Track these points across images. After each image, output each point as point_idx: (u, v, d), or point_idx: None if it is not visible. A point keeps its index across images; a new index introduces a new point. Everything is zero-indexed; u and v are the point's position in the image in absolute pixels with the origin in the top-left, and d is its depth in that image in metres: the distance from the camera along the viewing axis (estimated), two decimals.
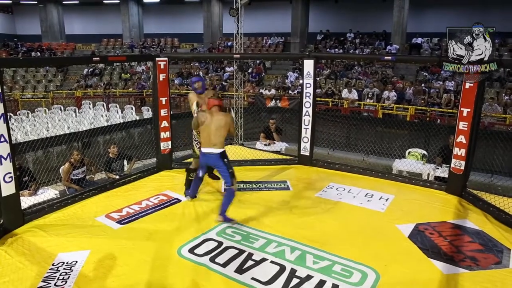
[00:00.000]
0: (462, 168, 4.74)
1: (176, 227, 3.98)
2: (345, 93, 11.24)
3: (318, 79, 7.72)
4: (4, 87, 3.84)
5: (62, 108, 12.21)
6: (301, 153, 5.97)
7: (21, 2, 22.74)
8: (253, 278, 3.09)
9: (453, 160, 4.82)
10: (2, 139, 3.67)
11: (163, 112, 5.49)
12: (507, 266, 3.32)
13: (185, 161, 6.06)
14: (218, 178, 5.12)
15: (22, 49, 20.88)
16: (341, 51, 16.97)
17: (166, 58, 5.44)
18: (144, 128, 8.46)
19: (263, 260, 3.35)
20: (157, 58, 5.36)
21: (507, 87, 11.69)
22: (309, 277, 3.11)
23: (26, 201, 4.41)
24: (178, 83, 15.79)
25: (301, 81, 5.90)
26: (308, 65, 5.64)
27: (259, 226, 3.97)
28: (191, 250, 3.50)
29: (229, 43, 18.45)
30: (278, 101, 11.63)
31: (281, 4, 19.66)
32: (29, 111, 11.49)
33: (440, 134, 6.97)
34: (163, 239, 3.72)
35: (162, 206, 4.53)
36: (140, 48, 20.68)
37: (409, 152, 6.84)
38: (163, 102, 5.47)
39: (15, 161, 3.90)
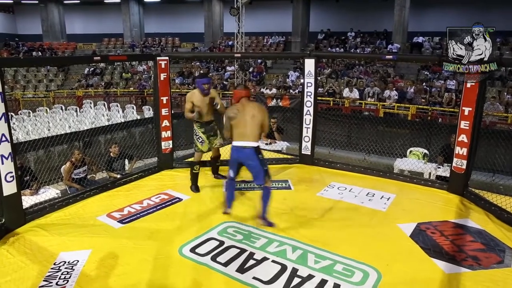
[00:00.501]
0: (464, 167, 4.73)
1: (178, 227, 3.98)
2: (346, 92, 11.23)
3: (319, 78, 7.71)
4: (5, 86, 3.84)
5: (63, 108, 12.23)
6: (302, 152, 5.96)
7: (22, 1, 22.77)
8: (254, 278, 3.09)
9: (455, 159, 4.81)
10: (3, 138, 3.67)
11: (164, 112, 5.49)
12: (509, 265, 3.30)
13: (186, 160, 6.06)
14: (224, 177, 5.01)
15: (23, 49, 20.92)
16: (342, 50, 16.96)
17: (167, 58, 5.44)
18: (145, 127, 8.47)
19: (265, 259, 3.35)
20: (158, 58, 5.36)
21: (508, 86, 11.67)
22: (310, 277, 3.11)
23: (28, 201, 4.40)
24: (179, 82, 15.80)
25: (302, 80, 5.89)
26: (309, 64, 5.63)
27: (260, 225, 3.96)
28: (193, 250, 3.50)
29: (230, 43, 18.45)
30: (279, 100, 11.63)
31: (282, 3, 19.65)
32: (30, 111, 11.51)
33: (442, 133, 6.95)
34: (165, 238, 3.72)
35: (164, 205, 4.53)
36: (141, 47, 20.69)
37: (410, 151, 6.84)
38: (164, 102, 5.47)
39: (17, 161, 3.90)
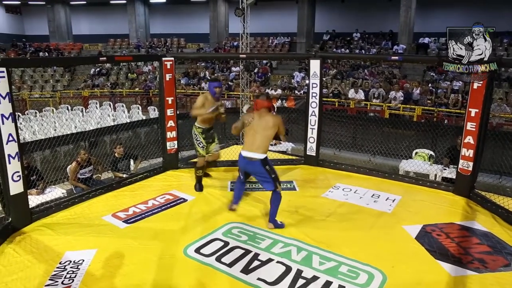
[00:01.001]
0: (470, 169, 4.70)
1: (182, 227, 3.99)
2: (351, 93, 11.20)
3: (324, 79, 7.69)
4: (13, 87, 3.87)
5: (69, 108, 12.30)
6: (307, 153, 5.95)
7: (29, 3, 22.96)
8: (259, 279, 3.08)
9: (461, 161, 4.78)
10: (11, 138, 3.70)
11: (169, 112, 5.51)
12: None
13: (191, 160, 6.07)
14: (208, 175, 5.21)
15: (30, 49, 21.08)
16: (347, 51, 16.92)
17: (172, 58, 5.46)
18: (151, 127, 8.50)
19: (269, 260, 3.35)
20: (163, 58, 5.38)
21: None
22: (315, 278, 3.10)
23: (34, 200, 4.44)
24: (184, 83, 15.84)
25: (307, 81, 5.89)
26: (315, 65, 5.62)
27: (265, 226, 3.96)
28: (197, 250, 3.50)
29: (235, 43, 18.47)
30: (284, 101, 11.62)
31: (287, 4, 19.64)
32: (37, 111, 11.59)
33: (448, 134, 6.91)
34: (169, 238, 3.73)
35: (168, 205, 4.54)
36: (146, 48, 20.78)
37: (416, 153, 6.80)
38: (170, 102, 5.48)
39: (23, 160, 3.93)
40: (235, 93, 13.31)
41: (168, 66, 5.40)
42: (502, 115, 9.30)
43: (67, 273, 3.12)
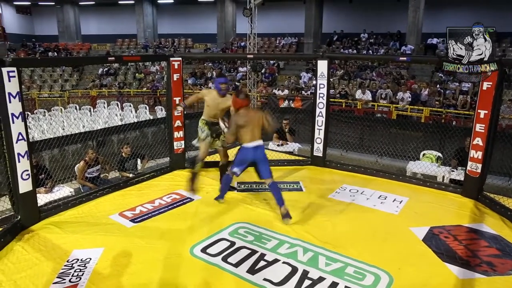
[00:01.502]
0: (479, 171, 4.65)
1: (189, 227, 4.00)
2: (358, 94, 11.16)
3: (331, 79, 7.67)
4: (22, 86, 3.91)
5: (78, 107, 12.40)
6: (314, 154, 5.94)
7: (39, 3, 23.21)
8: (265, 279, 3.08)
9: (469, 163, 4.74)
10: (20, 137, 3.74)
11: (176, 112, 5.53)
12: None
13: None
14: (234, 189, 5.06)
15: (40, 49, 21.31)
16: (355, 51, 16.85)
17: (180, 58, 5.48)
18: (158, 127, 8.54)
19: (275, 261, 3.34)
20: (171, 58, 5.40)
21: None
22: (321, 279, 3.09)
23: (42, 198, 4.48)
24: (191, 83, 15.90)
25: (314, 82, 5.87)
26: (322, 66, 5.61)
27: (271, 226, 3.96)
28: (204, 250, 3.51)
29: (243, 43, 18.49)
30: (291, 101, 11.61)
31: (294, 4, 19.62)
32: (45, 110, 11.70)
33: (456, 136, 6.85)
34: (176, 238, 3.74)
35: (175, 205, 4.56)
36: (154, 48, 20.88)
37: (423, 154, 6.75)
38: (177, 102, 5.50)
39: (32, 159, 3.97)
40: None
41: (176, 66, 5.42)
42: None
43: (75, 271, 3.15)
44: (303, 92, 13.07)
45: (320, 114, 5.73)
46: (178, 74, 5.47)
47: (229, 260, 3.35)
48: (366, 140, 8.51)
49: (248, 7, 7.46)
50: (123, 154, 6.03)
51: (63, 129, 9.80)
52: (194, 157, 6.22)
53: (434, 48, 15.87)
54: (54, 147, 6.59)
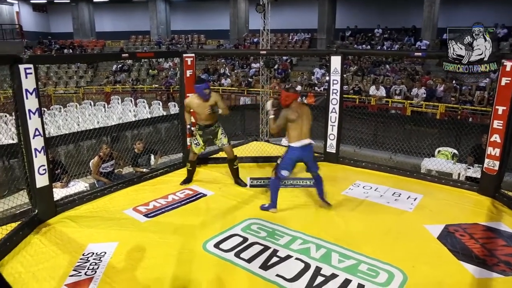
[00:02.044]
0: (496, 168, 4.56)
1: (202, 222, 4.03)
2: (372, 90, 11.04)
3: (345, 75, 7.59)
4: (39, 83, 3.97)
5: (92, 103, 12.54)
6: (327, 150, 5.90)
7: (55, 1, 23.53)
8: (277, 275, 3.09)
9: (486, 160, 4.65)
10: (37, 133, 3.80)
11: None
12: None
13: (211, 156, 6.11)
14: (245, 185, 5.05)
15: (55, 46, 21.63)
16: (368, 47, 16.65)
17: (193, 55, 5.49)
18: (171, 123, 8.58)
19: (288, 257, 3.34)
20: (184, 55, 5.41)
21: None
22: (334, 276, 3.08)
23: (58, 193, 4.56)
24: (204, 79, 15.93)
25: (327, 78, 5.83)
26: (335, 62, 5.56)
27: (284, 223, 3.96)
28: (217, 245, 3.53)
29: (255, 40, 18.44)
30: (304, 97, 11.55)
31: (307, 0, 19.46)
32: (61, 106, 11.88)
33: (472, 132, 6.72)
34: (189, 233, 3.77)
35: (188, 200, 4.59)
36: (167, 44, 20.98)
37: (438, 151, 6.65)
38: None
39: (49, 154, 4.04)
40: (255, 89, 13.30)
41: (189, 63, 5.44)
42: None
43: (90, 265, 3.20)
44: (316, 88, 12.98)
45: (334, 110, 5.69)
46: (191, 70, 5.48)
47: (241, 255, 3.36)
48: (380, 136, 8.41)
49: (261, 3, 7.42)
50: (135, 150, 6.09)
51: (78, 124, 9.95)
52: (208, 153, 6.26)
53: None
54: (70, 143, 6.69)
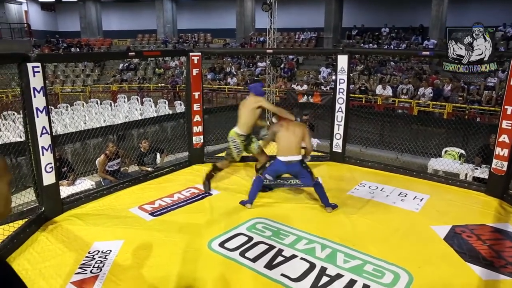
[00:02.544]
0: (505, 169, 4.51)
1: (207, 221, 4.03)
2: (379, 89, 10.97)
3: (351, 75, 7.54)
4: (46, 81, 4.00)
5: (99, 102, 12.60)
6: (333, 150, 5.88)
7: (63, 0, 23.68)
8: (282, 274, 3.08)
9: (494, 161, 4.60)
10: (44, 131, 3.83)
11: (195, 107, 5.56)
12: None
13: (217, 155, 6.12)
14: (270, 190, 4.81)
15: (63, 45, 21.77)
16: (375, 46, 16.55)
17: (199, 53, 5.49)
18: (177, 122, 8.60)
19: (293, 256, 3.33)
20: (190, 53, 5.42)
21: None
22: (339, 276, 3.07)
23: (65, 191, 4.59)
24: (210, 78, 15.95)
25: (334, 77, 5.80)
26: (342, 61, 5.53)
27: (289, 222, 3.95)
28: (222, 244, 3.53)
29: (262, 38, 18.41)
30: (310, 97, 11.50)
31: None
32: (68, 105, 11.95)
33: (480, 133, 6.65)
34: (194, 232, 3.77)
35: (194, 199, 4.59)
36: (173, 43, 21.03)
37: (445, 151, 6.58)
38: (196, 97, 5.53)
39: (55, 152, 4.07)
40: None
41: (195, 61, 5.44)
42: None
43: (96, 262, 3.22)
44: (322, 87, 12.93)
45: (340, 110, 5.66)
46: (198, 69, 5.49)
47: (246, 255, 3.36)
48: (386, 136, 8.36)
49: (267, 2, 7.40)
50: (141, 149, 6.11)
51: (85, 123, 9.99)
52: (213, 152, 6.27)
53: None
54: (76, 141, 6.73)
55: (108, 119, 10.55)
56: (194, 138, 5.66)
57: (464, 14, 16.78)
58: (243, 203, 4.38)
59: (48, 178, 3.93)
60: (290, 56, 16.39)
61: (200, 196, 4.67)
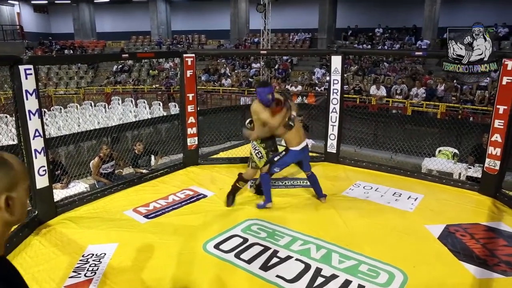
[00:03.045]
0: (497, 168, 4.54)
1: (202, 223, 4.02)
2: (373, 89, 11.03)
3: (345, 75, 7.57)
4: (39, 83, 3.97)
5: (93, 104, 12.54)
6: (328, 150, 5.89)
7: (56, 2, 23.56)
8: (277, 276, 3.08)
9: (487, 160, 4.63)
10: (37, 133, 3.80)
11: (190, 108, 5.55)
12: None
13: (212, 157, 6.11)
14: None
15: (56, 47, 21.65)
16: (369, 46, 16.64)
17: (193, 55, 5.48)
18: (171, 123, 8.58)
19: (288, 258, 3.33)
20: (184, 55, 5.41)
21: None
22: (334, 276, 3.07)
23: (59, 194, 4.56)
24: (205, 79, 15.94)
25: (328, 78, 5.82)
26: (336, 61, 5.55)
27: (284, 223, 3.94)
28: (217, 246, 3.52)
29: (256, 39, 18.44)
30: (304, 97, 11.54)
31: (308, 0, 19.45)
32: (61, 107, 11.89)
33: (473, 132, 6.71)
34: (189, 234, 3.76)
35: (188, 201, 4.58)
36: (167, 45, 20.99)
37: (439, 151, 6.63)
38: (190, 98, 5.52)
39: (49, 155, 4.04)
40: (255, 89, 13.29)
41: (189, 63, 5.43)
42: None
43: (90, 266, 3.20)
44: (316, 88, 12.97)
45: (334, 110, 5.67)
46: (192, 71, 5.48)
47: (241, 256, 3.35)
48: (381, 136, 8.41)
49: (262, 3, 7.41)
50: (136, 151, 6.09)
51: (79, 125, 9.95)
52: (208, 154, 6.26)
53: None
54: (70, 144, 6.68)
55: (102, 121, 10.51)
56: (188, 139, 5.65)
57: (456, 14, 16.92)
58: (262, 206, 4.26)
59: (42, 181, 3.90)
60: (284, 57, 16.43)
61: (195, 198, 4.66)
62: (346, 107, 7.77)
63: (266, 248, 3.47)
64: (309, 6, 19.47)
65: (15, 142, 4.81)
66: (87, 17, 23.27)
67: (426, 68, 13.87)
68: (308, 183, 5.07)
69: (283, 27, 18.95)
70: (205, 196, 4.73)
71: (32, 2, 23.52)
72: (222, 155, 6.29)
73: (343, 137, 6.02)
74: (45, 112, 10.06)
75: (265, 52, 6.65)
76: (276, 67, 15.27)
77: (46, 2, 23.85)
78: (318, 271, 3.13)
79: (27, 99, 3.68)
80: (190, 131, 5.62)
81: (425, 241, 3.64)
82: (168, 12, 23.13)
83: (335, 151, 5.84)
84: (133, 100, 12.81)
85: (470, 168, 5.71)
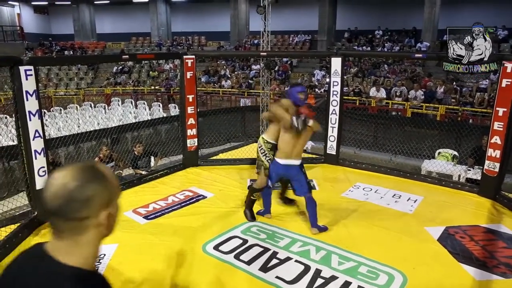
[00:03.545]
0: (497, 170, 4.55)
1: (202, 224, 4.02)
2: (373, 91, 11.04)
3: (345, 77, 7.57)
4: (39, 84, 3.98)
5: (93, 105, 12.54)
6: (328, 152, 5.90)
7: (56, 3, 23.59)
8: (277, 277, 3.08)
9: (487, 162, 4.64)
10: (37, 134, 3.80)
11: (190, 110, 5.55)
12: None
13: (211, 158, 6.11)
14: (293, 202, 4.48)
15: (56, 48, 21.65)
16: (369, 48, 16.67)
17: (193, 56, 5.49)
18: (171, 125, 8.58)
19: (288, 259, 3.33)
20: (184, 56, 5.42)
21: None
22: (334, 278, 3.07)
23: None
24: (204, 81, 15.95)
25: (327, 80, 5.82)
26: (336, 63, 5.56)
27: (284, 225, 3.95)
28: (216, 247, 3.52)
29: (256, 41, 18.46)
30: None
31: (308, 2, 19.49)
32: (61, 108, 11.89)
33: (473, 134, 6.72)
34: (189, 235, 3.76)
35: (188, 202, 4.58)
36: (167, 46, 21.01)
37: (439, 153, 6.64)
38: (190, 100, 5.53)
39: (49, 156, 4.04)
40: (255, 91, 13.32)
41: (189, 64, 5.44)
42: None
43: None
44: (316, 89, 12.99)
45: (334, 112, 5.68)
46: (192, 72, 5.48)
47: (241, 257, 3.35)
48: (380, 138, 8.42)
49: (262, 5, 7.42)
50: (135, 152, 6.09)
51: (79, 126, 9.95)
52: (207, 155, 6.26)
53: None
54: (70, 144, 6.69)
55: (102, 122, 10.51)
56: (188, 141, 5.65)
57: (456, 16, 16.94)
58: (260, 214, 4.18)
59: (41, 182, 3.89)
60: (284, 59, 16.45)
61: (194, 199, 4.66)
62: (346, 109, 7.77)
63: (266, 250, 3.47)
64: (309, 8, 19.50)
65: (15, 142, 4.81)
66: (87, 18, 23.29)
67: (425, 70, 13.89)
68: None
69: (283, 29, 18.96)
70: (204, 197, 4.73)
71: (32, 3, 23.54)
72: (221, 156, 6.30)
73: (342, 138, 6.03)
74: (45, 113, 10.05)
75: (265, 53, 6.65)
76: (276, 68, 15.28)
77: (46, 3, 23.88)
78: (317, 273, 3.13)
79: (27, 100, 3.68)
80: (190, 132, 5.63)
81: (425, 243, 3.64)
82: (168, 13, 23.15)
83: (334, 153, 5.84)
84: (133, 101, 12.81)
85: (469, 170, 5.72)
